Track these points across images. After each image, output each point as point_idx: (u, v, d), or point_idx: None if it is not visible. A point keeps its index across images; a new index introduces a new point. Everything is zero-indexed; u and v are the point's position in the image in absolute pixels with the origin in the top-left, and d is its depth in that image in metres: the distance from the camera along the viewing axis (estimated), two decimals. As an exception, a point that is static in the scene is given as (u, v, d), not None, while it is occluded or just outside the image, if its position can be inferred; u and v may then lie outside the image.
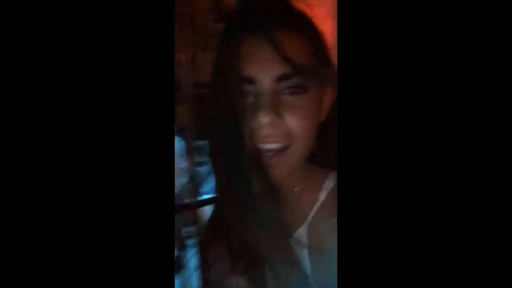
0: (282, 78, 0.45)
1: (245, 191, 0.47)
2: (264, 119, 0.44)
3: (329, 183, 0.53)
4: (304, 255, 0.49)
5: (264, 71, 0.44)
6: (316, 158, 0.53)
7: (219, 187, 0.52)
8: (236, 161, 0.47)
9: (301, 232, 0.50)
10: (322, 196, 0.52)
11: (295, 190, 0.53)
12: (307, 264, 0.49)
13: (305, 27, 0.48)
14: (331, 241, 0.43)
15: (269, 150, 0.47)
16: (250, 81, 0.45)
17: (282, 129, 0.46)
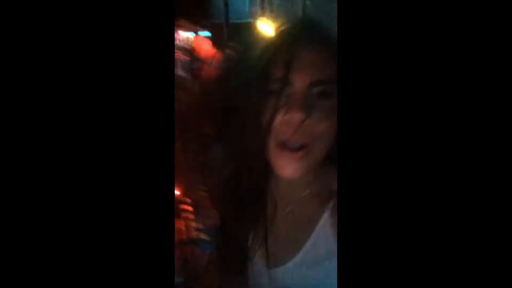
0: (315, 83, 0.52)
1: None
2: (296, 116, 0.50)
3: None
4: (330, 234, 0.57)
5: (301, 76, 0.52)
6: (331, 158, 0.59)
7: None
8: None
9: (325, 219, 0.58)
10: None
11: (306, 192, 0.60)
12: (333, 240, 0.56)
13: (330, 50, 0.56)
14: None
15: (292, 148, 0.53)
16: (288, 82, 0.52)
17: (309, 128, 0.52)
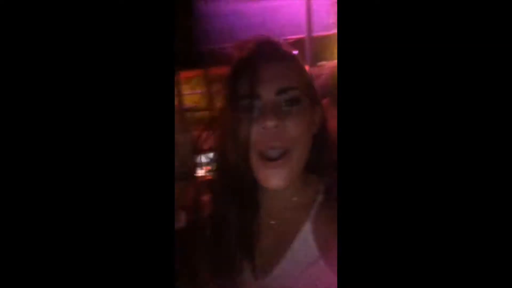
0: (281, 91, 0.56)
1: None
2: (270, 122, 0.54)
3: (322, 186, 0.62)
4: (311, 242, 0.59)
5: (267, 87, 0.56)
6: (311, 168, 0.62)
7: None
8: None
9: (307, 228, 0.60)
10: (320, 197, 0.61)
11: (290, 202, 0.62)
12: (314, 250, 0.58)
13: (291, 61, 0.61)
14: (333, 232, 0.49)
15: (272, 157, 0.56)
16: (257, 96, 0.56)
17: (284, 134, 0.55)
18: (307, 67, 0.62)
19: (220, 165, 0.61)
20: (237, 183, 0.59)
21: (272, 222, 0.63)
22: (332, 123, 0.59)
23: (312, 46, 2.61)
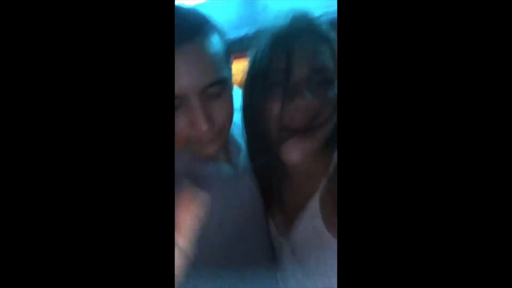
0: (315, 71, 0.56)
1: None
2: (301, 102, 0.54)
3: (334, 161, 0.63)
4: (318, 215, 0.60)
5: (302, 65, 0.55)
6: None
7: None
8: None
9: (316, 198, 0.61)
10: (331, 168, 0.62)
11: (307, 171, 0.63)
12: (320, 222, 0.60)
13: (325, 42, 0.59)
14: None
15: (297, 134, 0.56)
16: (290, 73, 0.55)
17: (312, 113, 0.56)
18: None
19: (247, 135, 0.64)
20: (261, 154, 0.61)
21: (289, 190, 0.66)
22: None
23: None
